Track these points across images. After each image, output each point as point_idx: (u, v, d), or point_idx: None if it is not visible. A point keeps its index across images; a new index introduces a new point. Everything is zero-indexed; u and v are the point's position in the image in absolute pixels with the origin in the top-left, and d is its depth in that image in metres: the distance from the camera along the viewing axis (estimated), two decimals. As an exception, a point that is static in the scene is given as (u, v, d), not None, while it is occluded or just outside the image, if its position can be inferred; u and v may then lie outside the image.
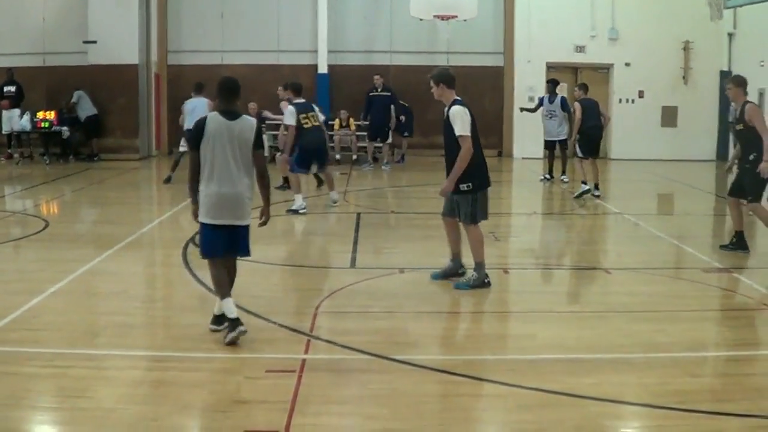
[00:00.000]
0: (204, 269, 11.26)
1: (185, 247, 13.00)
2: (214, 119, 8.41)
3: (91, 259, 12.38)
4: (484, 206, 10.82)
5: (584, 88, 20.32)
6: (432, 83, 10.96)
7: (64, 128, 27.32)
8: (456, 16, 24.48)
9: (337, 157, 26.97)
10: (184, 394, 7.09)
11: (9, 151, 27.77)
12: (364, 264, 12.43)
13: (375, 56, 29.40)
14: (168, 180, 21.06)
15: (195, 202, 8.57)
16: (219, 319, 8.49)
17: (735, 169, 13.50)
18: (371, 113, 26.17)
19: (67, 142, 27.68)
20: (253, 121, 8.62)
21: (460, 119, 10.52)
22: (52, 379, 7.48)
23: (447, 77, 11.01)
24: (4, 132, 27.72)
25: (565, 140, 22.20)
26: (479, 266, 10.72)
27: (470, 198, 10.64)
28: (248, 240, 8.63)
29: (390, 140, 26.63)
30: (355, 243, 13.79)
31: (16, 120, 27.35)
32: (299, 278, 12.00)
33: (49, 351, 8.18)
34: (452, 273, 11.14)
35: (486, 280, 10.70)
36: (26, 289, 10.45)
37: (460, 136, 10.46)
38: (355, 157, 27.26)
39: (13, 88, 27.48)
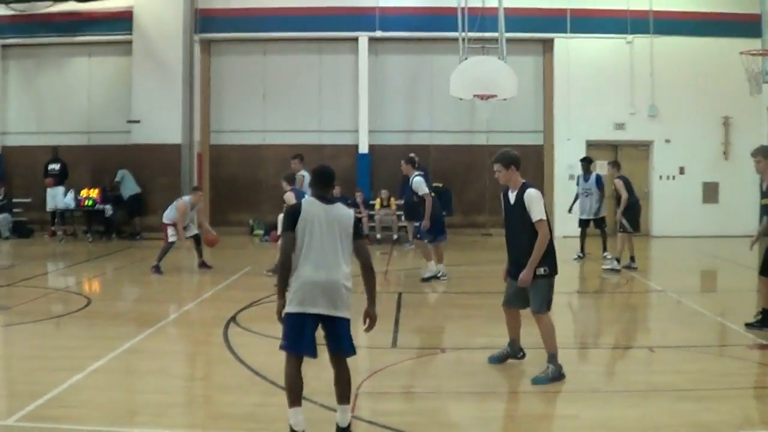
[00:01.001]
0: (245, 348, 11.29)
1: (226, 326, 13.02)
2: (312, 203, 8.01)
3: (132, 336, 12.42)
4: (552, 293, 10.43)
5: (617, 165, 20.74)
6: (500, 166, 10.43)
7: (108, 206, 27.66)
8: (495, 96, 24.58)
9: (378, 236, 27.01)
10: (224, 474, 7.06)
11: (53, 228, 28.11)
12: (406, 344, 12.37)
13: (415, 136, 29.61)
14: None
15: (283, 296, 7.91)
16: None
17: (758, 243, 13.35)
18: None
19: (110, 221, 27.99)
20: (351, 211, 8.23)
21: (538, 203, 10.06)
22: (93, 458, 7.47)
23: (516, 159, 10.46)
24: (48, 209, 28.11)
25: (602, 218, 22.18)
26: (553, 358, 10.20)
27: (547, 283, 10.22)
28: (350, 337, 7.94)
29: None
30: (397, 323, 13.72)
31: (60, 198, 27.73)
32: (340, 357, 11.95)
33: (88, 429, 8.19)
34: (511, 356, 10.85)
35: (562, 372, 10.13)
36: (67, 366, 10.47)
37: (539, 221, 9.99)
38: (395, 236, 27.28)
39: (57, 166, 27.92)
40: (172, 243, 20.02)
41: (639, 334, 13.72)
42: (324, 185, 8.16)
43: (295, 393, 7.74)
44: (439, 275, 17.76)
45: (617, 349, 12.45)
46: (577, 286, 19.51)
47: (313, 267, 7.72)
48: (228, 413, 8.49)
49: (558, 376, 10.04)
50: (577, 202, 22.57)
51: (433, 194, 26.55)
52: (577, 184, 22.80)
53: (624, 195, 19.55)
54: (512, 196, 10.26)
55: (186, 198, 20.31)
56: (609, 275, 19.11)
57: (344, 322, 7.85)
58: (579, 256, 22.42)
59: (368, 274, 8.03)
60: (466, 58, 25.81)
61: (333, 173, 8.27)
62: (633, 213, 19.73)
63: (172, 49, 28.33)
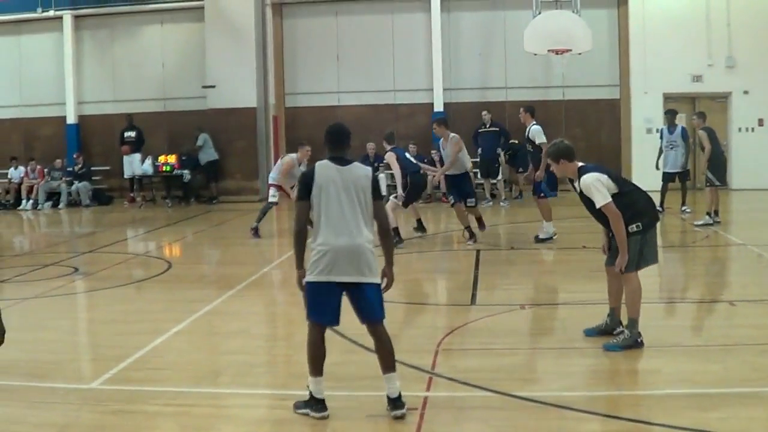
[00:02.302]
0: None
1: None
2: (324, 166, 7.61)
3: (213, 299, 12.57)
4: (653, 248, 9.84)
5: (703, 116, 20.13)
6: (551, 161, 9.91)
7: (185, 172, 27.91)
8: (570, 50, 24.32)
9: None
10: (306, 433, 7.12)
11: (131, 195, 28.47)
12: (485, 301, 12.34)
13: (490, 93, 29.41)
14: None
15: (301, 266, 7.72)
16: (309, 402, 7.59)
17: None
18: (481, 149, 26.19)
19: (188, 186, 28.24)
20: (368, 168, 7.75)
21: (596, 189, 9.40)
22: (176, 417, 7.59)
23: (566, 151, 9.79)
24: (126, 176, 28.47)
25: (687, 171, 21.87)
26: (633, 324, 9.66)
27: (639, 240, 9.61)
28: (381, 299, 7.57)
29: (501, 177, 26.60)
30: (476, 280, 13.71)
31: (138, 164, 28.09)
32: (420, 316, 12.01)
33: (172, 390, 8.32)
34: (608, 331, 10.05)
35: (639, 339, 9.61)
36: (150, 329, 10.65)
37: (602, 206, 9.42)
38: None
39: (133, 134, 28.25)
40: (272, 204, 19.60)
41: (719, 289, 13.54)
42: (337, 145, 7.75)
43: (318, 362, 7.50)
44: (553, 236, 17.49)
45: (698, 304, 12.30)
46: (658, 240, 19.32)
47: (334, 233, 7.39)
48: (304, 372, 8.54)
49: (633, 343, 9.53)
50: (662, 155, 22.21)
51: (510, 152, 26.60)
52: (661, 137, 22.40)
53: (707, 146, 19.09)
54: (576, 186, 9.73)
55: (293, 155, 19.42)
56: (701, 229, 18.77)
57: (373, 287, 7.48)
58: (659, 210, 22.09)
59: (384, 237, 7.71)
60: (539, 13, 25.56)
61: (346, 131, 7.89)
62: (718, 165, 19.26)
63: (244, 13, 28.44)
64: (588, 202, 9.59)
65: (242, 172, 28.64)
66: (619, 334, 9.75)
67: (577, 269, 14.89)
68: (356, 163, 7.73)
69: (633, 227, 9.50)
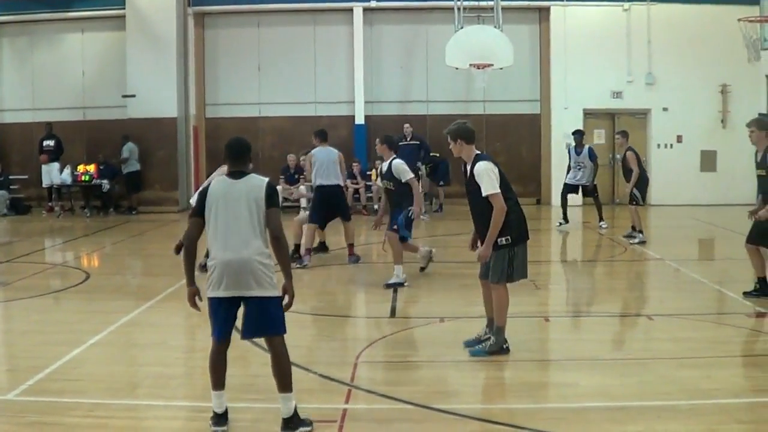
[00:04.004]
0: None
1: (224, 298, 13.01)
2: (219, 181, 7.60)
3: (131, 310, 12.46)
4: (523, 262, 9.87)
5: (626, 135, 20.34)
6: (449, 140, 9.98)
7: (104, 181, 27.61)
8: (492, 65, 24.51)
9: (375, 207, 26.99)
10: (224, 445, 7.07)
11: (50, 204, 28.07)
12: (404, 314, 12.39)
13: (411, 106, 29.56)
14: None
15: (191, 282, 7.53)
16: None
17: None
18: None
19: (107, 195, 27.93)
20: (264, 179, 7.51)
21: (487, 176, 9.59)
22: (93, 429, 7.51)
23: (464, 132, 9.97)
24: (44, 185, 28.07)
25: (595, 186, 22.17)
26: (499, 331, 9.86)
27: (507, 254, 9.72)
28: (276, 314, 7.38)
29: (422, 190, 26.70)
30: (395, 292, 13.72)
31: (56, 173, 27.70)
32: (339, 328, 12.01)
33: (89, 401, 8.21)
34: (485, 339, 10.19)
35: (504, 346, 9.85)
36: (67, 340, 10.53)
37: (490, 194, 9.55)
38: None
39: (52, 142, 27.86)
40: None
41: (638, 302, 13.71)
42: (233, 159, 7.63)
43: (214, 375, 7.48)
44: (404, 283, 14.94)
45: (616, 317, 12.44)
46: (576, 254, 19.54)
47: (222, 247, 7.32)
48: (227, 384, 8.45)
49: (499, 349, 9.76)
50: (569, 174, 22.49)
51: (430, 165, 26.69)
52: (569, 156, 22.70)
53: (636, 169, 19.26)
54: (468, 170, 9.87)
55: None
56: (639, 246, 18.92)
57: (265, 301, 7.31)
58: (561, 223, 22.25)
59: (277, 245, 7.42)
60: (461, 28, 25.71)
61: (243, 145, 7.74)
62: (643, 185, 19.52)
63: (166, 22, 28.26)
64: (474, 191, 9.71)
65: (162, 183, 28.42)
66: (486, 341, 9.98)
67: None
68: (252, 175, 7.57)
69: (502, 240, 9.64)
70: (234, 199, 7.37)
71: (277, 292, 7.36)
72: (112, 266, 18.32)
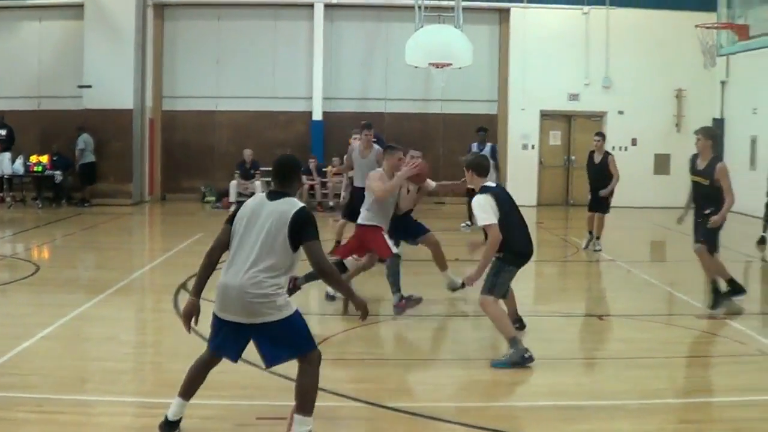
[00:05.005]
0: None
1: (177, 293, 12.95)
2: (258, 196, 7.16)
3: (81, 304, 12.32)
4: (506, 284, 10.06)
5: (604, 137, 19.48)
6: (465, 168, 10.27)
7: (57, 172, 27.32)
8: (451, 64, 24.54)
9: (331, 204, 26.98)
10: (173, 442, 7.02)
11: (0, 194, 27.73)
12: (357, 311, 12.32)
13: (370, 103, 29.57)
14: None
15: (196, 293, 7.08)
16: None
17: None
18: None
19: (59, 187, 27.65)
20: (298, 206, 6.92)
21: (479, 210, 9.81)
22: (41, 425, 7.41)
23: (476, 165, 10.19)
24: (-5, 175, 27.74)
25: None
26: (513, 341, 9.66)
27: (496, 267, 9.86)
28: (288, 335, 6.95)
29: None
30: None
31: (8, 164, 27.35)
32: (291, 325, 11.94)
33: (38, 396, 8.11)
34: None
35: (526, 355, 9.53)
36: (16, 334, 10.39)
37: (485, 226, 9.73)
38: (340, 201, 27.30)
39: (3, 132, 27.54)
40: None
41: (589, 303, 13.81)
42: (274, 178, 7.20)
43: (188, 383, 7.16)
44: None
45: (568, 317, 12.50)
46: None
47: (227, 266, 6.92)
48: (178, 380, 8.37)
49: (520, 360, 9.50)
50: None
51: None
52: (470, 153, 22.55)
53: (617, 172, 18.80)
54: None
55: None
56: (589, 249, 18.85)
57: (266, 327, 6.84)
58: (467, 225, 21.99)
59: (325, 278, 7.28)
60: (422, 26, 25.70)
61: (286, 164, 7.24)
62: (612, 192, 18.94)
63: (125, 13, 27.99)
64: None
65: (116, 175, 28.13)
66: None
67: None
68: (288, 199, 7.01)
69: (497, 253, 9.75)
70: (257, 219, 6.89)
71: (286, 313, 6.86)
72: (63, 259, 18.14)
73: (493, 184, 10.24)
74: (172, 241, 19.19)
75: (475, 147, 22.42)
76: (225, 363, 7.28)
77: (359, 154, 16.50)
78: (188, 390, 7.15)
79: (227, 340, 6.96)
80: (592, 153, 18.98)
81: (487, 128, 23.34)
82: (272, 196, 7.02)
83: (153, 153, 29.44)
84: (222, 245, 7.05)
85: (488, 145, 22.28)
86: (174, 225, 22.54)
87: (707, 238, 12.45)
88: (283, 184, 7.13)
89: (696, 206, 12.78)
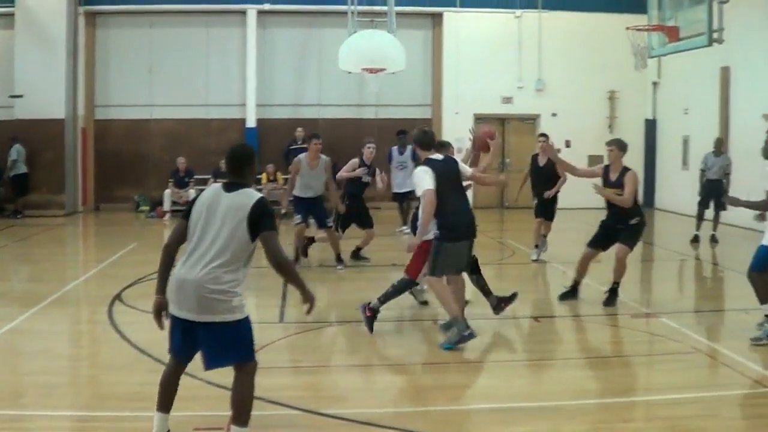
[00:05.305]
0: (130, 326, 11.18)
1: (111, 305, 12.86)
2: (213, 188, 7.03)
3: (14, 317, 12.17)
4: (448, 261, 10.49)
5: (548, 137, 18.87)
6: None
7: (-14, 184, 26.98)
8: (384, 69, 24.57)
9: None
10: (109, 455, 6.98)
11: (-72, 207, 27.32)
12: (293, 318, 12.34)
13: (303, 110, 29.53)
14: None
15: (160, 291, 6.96)
16: None
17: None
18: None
19: (-10, 198, 27.31)
20: (256, 197, 6.85)
21: (418, 179, 10.43)
22: (-26, 441, 7.34)
23: (418, 139, 10.84)
24: (-77, 187, 27.32)
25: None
26: (454, 321, 10.34)
27: (436, 247, 10.44)
28: (236, 340, 6.84)
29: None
30: (284, 297, 13.65)
31: (-63, 175, 26.96)
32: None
33: (-30, 412, 8.00)
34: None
35: (466, 333, 10.18)
36: (-53, 349, 10.27)
37: (420, 194, 10.36)
38: (284, 211, 27.16)
39: (-67, 143, 27.10)
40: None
41: (524, 305, 13.82)
42: (228, 168, 7.11)
43: (162, 395, 7.05)
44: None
45: (503, 320, 12.51)
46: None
47: (183, 261, 6.82)
48: (114, 393, 8.40)
49: (461, 338, 10.18)
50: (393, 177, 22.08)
51: None
52: (391, 158, 22.59)
53: (565, 177, 18.43)
54: None
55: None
56: (526, 251, 18.91)
57: (218, 327, 6.72)
58: (400, 231, 21.94)
59: (279, 271, 6.89)
60: (355, 32, 25.73)
61: (241, 153, 7.15)
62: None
63: (56, 21, 27.66)
64: None
65: (49, 186, 27.78)
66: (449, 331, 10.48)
67: (386, 286, 15.10)
68: (245, 190, 6.92)
69: (430, 234, 10.43)
70: (215, 212, 6.79)
71: (238, 316, 6.78)
72: (-5, 271, 17.95)
73: (439, 157, 10.61)
74: (106, 251, 19.01)
75: (395, 151, 22.45)
76: (154, 373, 7.25)
77: (307, 165, 16.32)
78: (164, 402, 7.06)
79: (183, 341, 6.85)
80: (535, 156, 18.66)
81: (407, 131, 23.25)
82: (229, 187, 6.92)
83: (86, 163, 29.14)
84: (178, 240, 6.98)
85: (408, 147, 22.09)
86: (108, 235, 22.35)
87: (632, 242, 12.81)
88: (238, 174, 7.04)
89: (613, 214, 13.10)
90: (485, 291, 12.12)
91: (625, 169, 12.87)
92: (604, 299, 13.03)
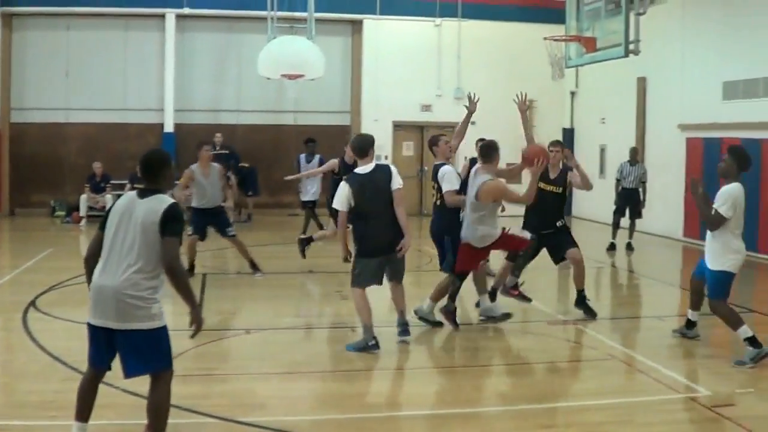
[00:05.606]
0: (45, 334, 11.06)
1: (26, 312, 12.69)
2: (126, 196, 7.02)
3: (-75, 324, 11.99)
4: (362, 275, 10.81)
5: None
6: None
7: None
8: (303, 76, 24.59)
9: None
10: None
11: None
12: (209, 326, 12.20)
13: (222, 115, 29.35)
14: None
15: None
16: None
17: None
18: None
19: None
20: (168, 202, 6.83)
21: (336, 196, 10.87)
22: None
23: (354, 146, 11.35)
24: None
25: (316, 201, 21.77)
26: (364, 329, 10.73)
27: (355, 261, 10.89)
28: (153, 348, 6.88)
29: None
30: (200, 305, 13.57)
31: None
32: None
33: None
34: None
35: (370, 343, 10.57)
36: None
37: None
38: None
39: None
40: None
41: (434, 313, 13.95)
42: (142, 174, 7.08)
43: (79, 404, 6.97)
44: None
45: (422, 327, 12.53)
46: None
47: (99, 269, 6.82)
48: (28, 401, 8.31)
49: (364, 346, 10.56)
50: (301, 183, 21.92)
51: (239, 175, 26.48)
52: (299, 165, 22.39)
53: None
54: None
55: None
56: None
57: (135, 335, 6.72)
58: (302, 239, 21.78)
59: (171, 277, 6.78)
60: (274, 38, 25.73)
61: (154, 159, 7.14)
62: None
63: (-29, 23, 27.33)
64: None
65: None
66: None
67: (302, 293, 15.14)
68: (158, 196, 6.91)
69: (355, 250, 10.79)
70: (128, 219, 6.78)
71: (157, 324, 6.83)
72: None
73: (366, 169, 10.87)
74: (20, 257, 18.75)
75: (303, 159, 22.35)
76: (69, 381, 7.20)
77: (201, 174, 16.15)
78: (82, 411, 6.98)
79: (101, 349, 6.81)
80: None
81: (315, 139, 23.22)
82: (143, 194, 6.91)
83: (1, 166, 28.71)
84: (96, 252, 6.93)
85: (317, 156, 22.06)
86: (23, 241, 22.04)
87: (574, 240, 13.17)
88: (152, 180, 7.02)
89: (544, 217, 13.24)
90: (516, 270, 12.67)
91: (566, 167, 13.13)
92: (582, 314, 12.95)
